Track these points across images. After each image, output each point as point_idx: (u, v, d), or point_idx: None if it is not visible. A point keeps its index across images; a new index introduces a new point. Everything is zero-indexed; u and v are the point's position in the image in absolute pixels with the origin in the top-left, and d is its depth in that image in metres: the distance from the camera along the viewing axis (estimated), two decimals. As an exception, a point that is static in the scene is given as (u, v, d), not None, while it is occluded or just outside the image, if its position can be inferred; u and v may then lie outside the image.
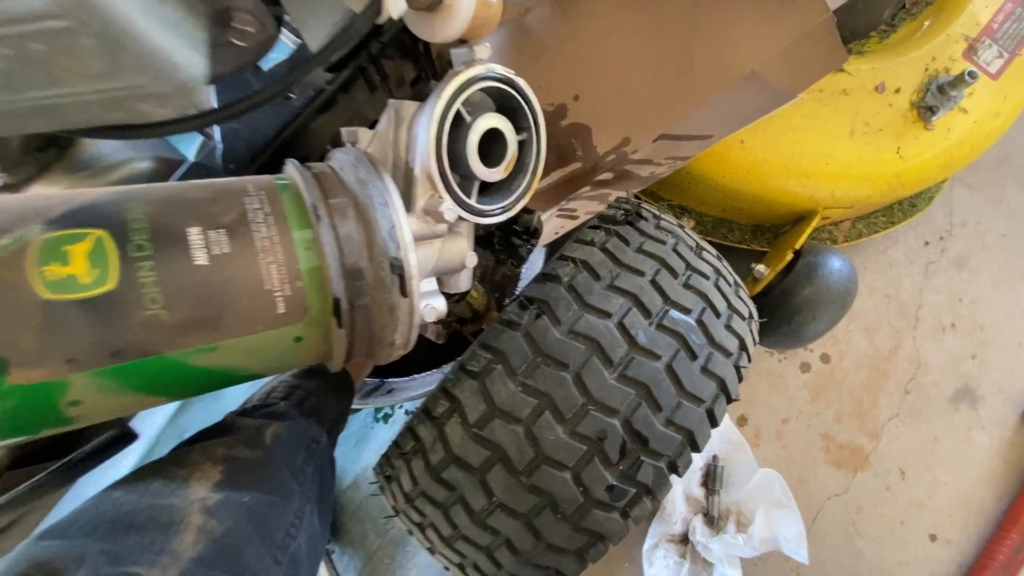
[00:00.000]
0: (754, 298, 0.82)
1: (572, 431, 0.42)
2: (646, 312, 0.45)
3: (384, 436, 0.97)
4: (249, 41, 0.26)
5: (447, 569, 0.55)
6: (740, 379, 0.48)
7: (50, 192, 0.27)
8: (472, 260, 0.40)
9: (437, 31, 0.31)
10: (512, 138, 0.36)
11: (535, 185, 0.36)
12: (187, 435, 0.49)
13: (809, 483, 0.92)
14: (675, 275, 0.49)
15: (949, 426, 0.92)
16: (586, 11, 0.76)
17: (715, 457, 0.91)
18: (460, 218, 0.36)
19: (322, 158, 0.41)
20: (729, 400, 0.47)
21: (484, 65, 0.34)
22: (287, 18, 0.27)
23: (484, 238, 0.65)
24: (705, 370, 0.46)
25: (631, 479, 0.43)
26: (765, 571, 0.88)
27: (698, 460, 0.91)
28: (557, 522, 0.43)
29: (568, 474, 0.43)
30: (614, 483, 0.42)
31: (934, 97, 0.77)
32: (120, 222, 0.26)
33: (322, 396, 0.66)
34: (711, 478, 0.90)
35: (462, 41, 0.33)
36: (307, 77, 0.26)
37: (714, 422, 0.46)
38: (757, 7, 0.68)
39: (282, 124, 0.41)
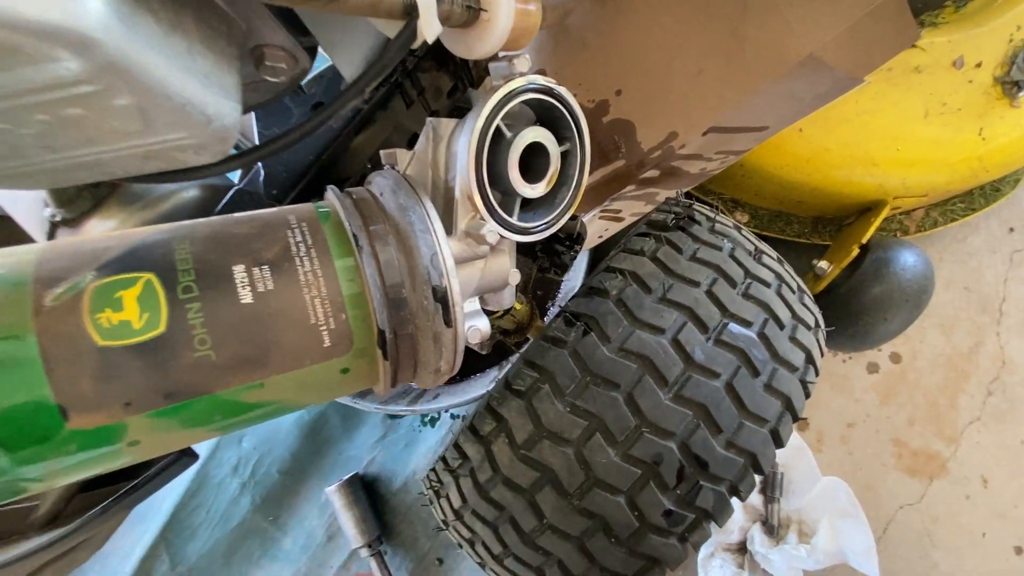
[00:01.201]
0: (816, 297, 0.77)
1: (625, 454, 0.40)
2: (703, 326, 0.43)
3: (431, 439, 0.98)
4: (282, 76, 0.25)
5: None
6: (808, 395, 0.45)
7: (100, 235, 0.28)
8: (516, 278, 0.40)
9: (474, 48, 0.29)
10: (555, 151, 0.35)
11: (579, 197, 0.34)
12: (244, 441, 0.50)
13: (878, 491, 0.86)
14: (733, 284, 0.46)
15: (1040, 431, 0.84)
16: (627, 3, 0.72)
17: (774, 464, 0.87)
18: (502, 237, 0.34)
19: (362, 179, 0.41)
20: (796, 419, 0.44)
21: (524, 77, 0.32)
22: (320, 48, 0.26)
23: (527, 246, 0.63)
24: (769, 387, 0.42)
25: (690, 504, 0.40)
26: (831, 584, 0.84)
27: (755, 466, 0.87)
28: (611, 546, 0.42)
29: (622, 498, 0.41)
30: (671, 508, 0.40)
31: (1021, 71, 0.69)
32: (168, 264, 0.26)
33: None
34: (770, 485, 0.86)
35: (501, 55, 0.32)
36: (344, 109, 0.25)
37: (779, 443, 0.42)
38: (815, -16, 0.63)
39: (322, 147, 0.40)
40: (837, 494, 0.81)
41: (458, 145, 0.33)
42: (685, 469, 0.40)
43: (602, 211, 0.76)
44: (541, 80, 0.33)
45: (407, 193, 0.31)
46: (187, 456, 0.44)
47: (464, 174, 0.31)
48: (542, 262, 0.63)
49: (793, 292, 0.49)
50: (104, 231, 0.42)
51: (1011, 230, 0.91)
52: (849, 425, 0.89)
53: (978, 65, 0.71)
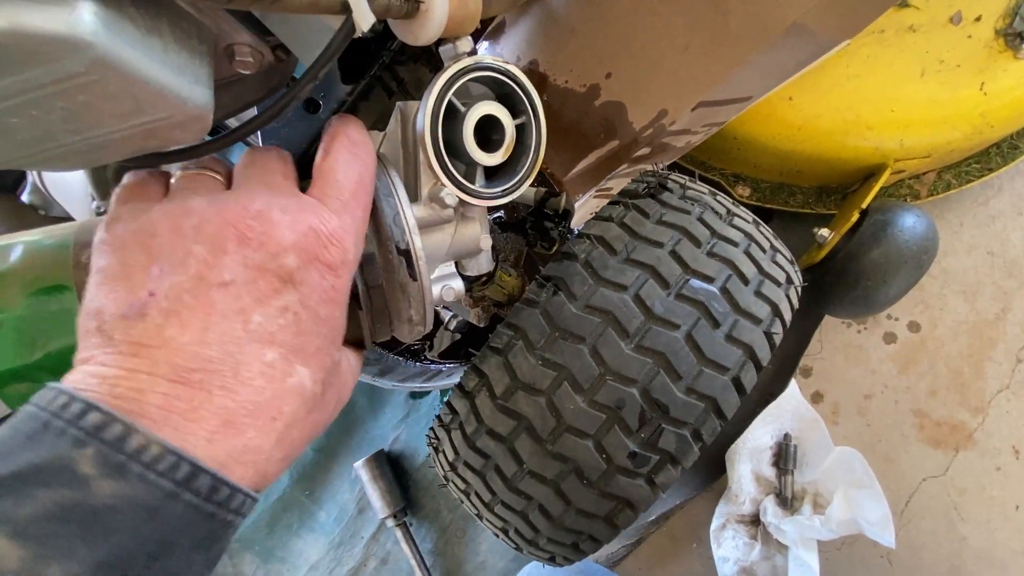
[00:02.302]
0: (819, 264, 0.77)
1: (591, 400, 0.44)
2: (664, 283, 0.45)
3: (452, 419, 1.03)
4: (252, 69, 0.30)
5: (496, 536, 0.59)
6: (773, 346, 0.47)
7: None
8: (487, 242, 0.43)
9: (418, 35, 0.34)
10: (508, 123, 0.38)
11: (538, 165, 0.38)
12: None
13: (899, 463, 0.84)
14: (698, 244, 0.48)
15: (1077, 398, 0.80)
16: (611, -13, 0.75)
17: (787, 436, 0.87)
18: (463, 202, 0.38)
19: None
20: (759, 368, 0.46)
21: (471, 58, 0.36)
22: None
23: (518, 223, 0.68)
24: (730, 337, 0.45)
25: (653, 446, 0.43)
26: (850, 557, 0.83)
27: (768, 439, 0.87)
28: (584, 488, 0.45)
29: (590, 442, 0.44)
30: (636, 450, 0.43)
31: (1026, 20, 0.67)
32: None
33: None
34: (783, 457, 0.86)
35: (446, 39, 0.36)
36: (303, 93, 0.30)
37: (741, 390, 0.45)
38: (794, -48, 0.64)
39: (311, 137, 0.46)
40: (852, 465, 0.80)
41: (418, 122, 0.37)
42: (646, 413, 0.43)
43: (597, 191, 0.79)
44: (488, 60, 0.37)
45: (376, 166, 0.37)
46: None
47: (423, 144, 0.35)
48: (532, 237, 0.67)
49: (764, 252, 0.51)
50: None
51: (1039, 189, 0.87)
52: (866, 396, 0.87)
53: (977, 19, 0.69)
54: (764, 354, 0.46)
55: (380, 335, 0.39)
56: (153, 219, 0.26)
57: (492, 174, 0.43)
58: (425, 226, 0.38)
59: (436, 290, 0.39)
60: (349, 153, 0.31)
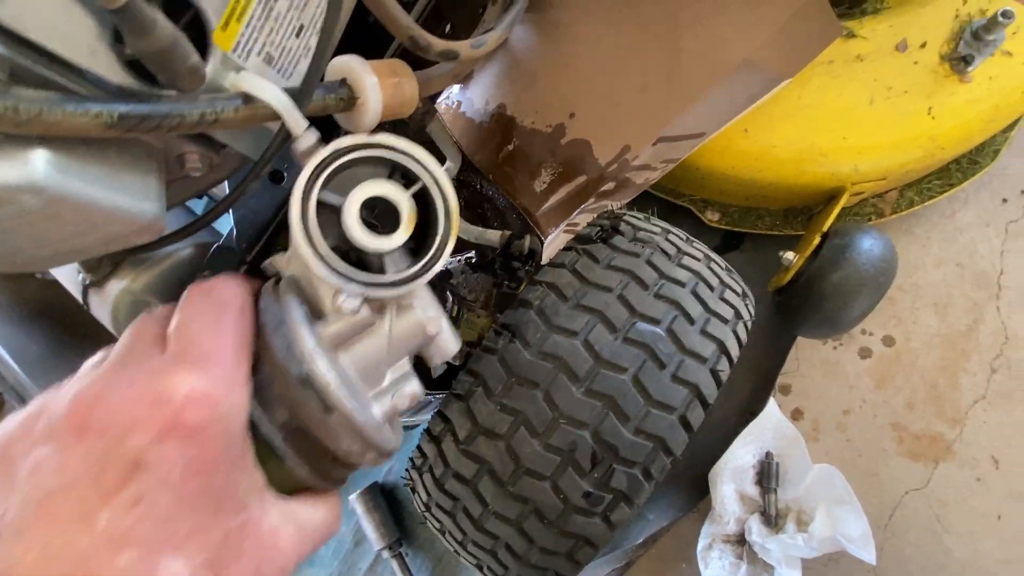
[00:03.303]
0: (785, 287, 0.79)
1: (546, 444, 0.46)
2: (611, 327, 0.48)
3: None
4: (202, 171, 0.34)
5: (478, 570, 0.61)
6: (719, 383, 0.49)
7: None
8: (436, 325, 0.35)
9: (359, 126, 0.37)
10: (400, 196, 0.32)
11: (454, 228, 0.33)
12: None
13: (881, 477, 0.85)
14: (645, 287, 0.51)
15: (1054, 406, 0.81)
16: (570, 35, 0.79)
17: (768, 454, 0.88)
18: (368, 299, 0.31)
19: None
20: (705, 405, 0.48)
21: (327, 149, 0.30)
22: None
23: (486, 264, 0.70)
24: (676, 378, 0.47)
25: (606, 485, 0.46)
26: (837, 573, 0.84)
27: (750, 458, 0.88)
28: (544, 527, 0.47)
29: (547, 483, 0.46)
30: (590, 490, 0.46)
31: (968, 45, 0.70)
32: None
33: None
34: (766, 476, 0.87)
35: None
36: (250, 187, 0.33)
37: (689, 427, 0.47)
38: (738, -5, 0.67)
39: (279, 205, 0.50)
40: (832, 481, 0.81)
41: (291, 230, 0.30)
42: (597, 454, 0.45)
43: (567, 226, 0.82)
44: (348, 141, 0.31)
45: (266, 299, 0.31)
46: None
47: (302, 254, 0.30)
48: (500, 278, 0.70)
49: (712, 289, 0.53)
50: (120, 287, 0.52)
51: (1004, 201, 0.88)
52: (845, 412, 0.88)
53: (923, 45, 0.72)
54: (710, 391, 0.48)
55: (335, 474, 0.32)
56: (8, 429, 0.25)
57: (419, 252, 0.34)
58: (344, 340, 0.32)
59: (379, 407, 0.32)
60: (202, 301, 0.28)
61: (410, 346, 0.35)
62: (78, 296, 0.53)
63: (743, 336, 0.52)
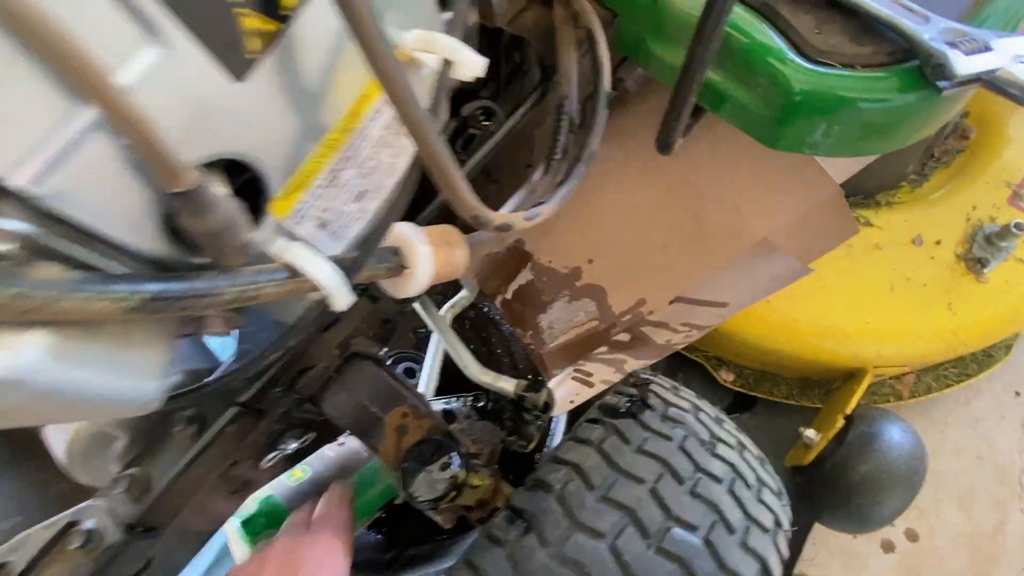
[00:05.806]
0: (807, 468, 0.74)
1: None
2: (643, 531, 0.42)
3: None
4: (223, 331, 0.30)
5: None
6: (763, 611, 0.42)
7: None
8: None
9: (405, 291, 0.34)
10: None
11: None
12: None
13: None
14: (680, 481, 0.45)
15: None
16: (596, 184, 0.81)
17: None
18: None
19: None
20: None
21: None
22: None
23: (495, 413, 0.65)
24: (715, 604, 0.40)
25: None
26: None
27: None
28: None
29: None
30: None
31: (982, 248, 0.72)
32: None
33: None
34: None
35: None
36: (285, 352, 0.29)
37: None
38: (763, 179, 0.70)
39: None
40: None
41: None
42: None
43: (575, 371, 0.78)
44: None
45: None
46: None
47: None
48: (511, 431, 0.64)
49: (749, 487, 0.48)
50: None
51: (1017, 394, 0.87)
52: (869, 615, 0.79)
53: (938, 243, 0.74)
54: (753, 624, 0.41)
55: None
56: None
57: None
58: None
59: None
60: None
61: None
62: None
63: (784, 550, 0.46)
